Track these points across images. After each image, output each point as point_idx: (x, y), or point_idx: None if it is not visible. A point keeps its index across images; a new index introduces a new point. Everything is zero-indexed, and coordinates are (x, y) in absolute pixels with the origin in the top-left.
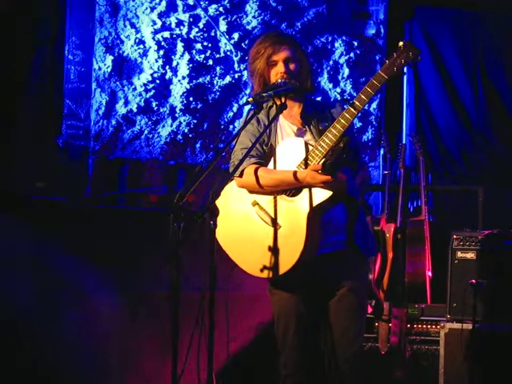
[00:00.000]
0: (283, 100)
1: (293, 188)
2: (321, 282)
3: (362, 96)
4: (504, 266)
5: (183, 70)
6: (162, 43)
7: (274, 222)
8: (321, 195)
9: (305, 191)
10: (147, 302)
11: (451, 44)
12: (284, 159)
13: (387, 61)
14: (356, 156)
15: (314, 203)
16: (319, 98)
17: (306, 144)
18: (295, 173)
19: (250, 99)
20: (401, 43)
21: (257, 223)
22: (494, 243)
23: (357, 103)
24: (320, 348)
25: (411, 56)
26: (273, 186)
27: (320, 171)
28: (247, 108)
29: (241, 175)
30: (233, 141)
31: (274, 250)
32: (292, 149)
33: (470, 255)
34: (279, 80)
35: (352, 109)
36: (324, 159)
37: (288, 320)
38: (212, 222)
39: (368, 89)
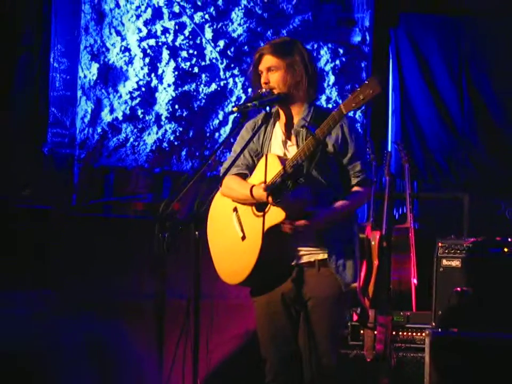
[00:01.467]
0: (277, 109)
1: (253, 202)
2: (296, 292)
3: (324, 128)
4: (489, 274)
5: (169, 77)
6: (148, 51)
7: (242, 232)
8: (275, 217)
9: (269, 210)
10: (132, 310)
11: (437, 50)
12: (259, 173)
13: (349, 96)
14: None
15: (267, 225)
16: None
17: (281, 160)
18: (251, 188)
19: (235, 108)
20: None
21: (233, 229)
22: (479, 251)
23: (319, 133)
24: (300, 353)
25: (371, 93)
26: (234, 198)
27: (265, 190)
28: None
29: (221, 184)
30: (219, 149)
31: (235, 258)
32: (268, 163)
33: (455, 263)
34: (263, 90)
35: (313, 140)
36: (274, 180)
37: (266, 327)
38: (196, 233)
39: (330, 122)
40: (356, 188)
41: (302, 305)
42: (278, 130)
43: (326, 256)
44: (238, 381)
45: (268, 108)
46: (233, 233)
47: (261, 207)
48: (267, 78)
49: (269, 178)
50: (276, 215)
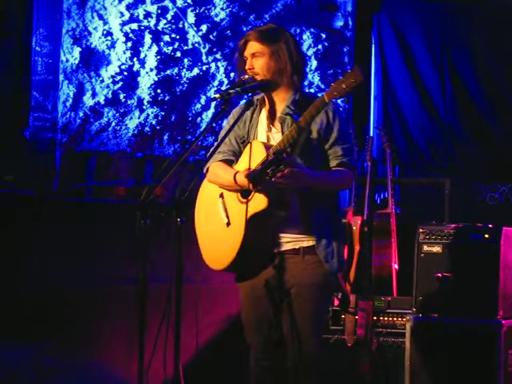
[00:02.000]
0: (263, 95)
1: (238, 189)
2: (280, 278)
3: (307, 116)
4: (470, 260)
5: (151, 62)
6: (130, 35)
7: (227, 218)
8: (258, 204)
9: (253, 197)
10: (114, 295)
11: (419, 35)
12: (244, 160)
13: (332, 84)
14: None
15: (250, 212)
16: (320, 95)
17: (266, 147)
18: (234, 174)
19: (217, 95)
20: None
21: (218, 215)
22: (460, 237)
23: (302, 121)
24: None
25: (353, 83)
26: (219, 184)
27: (246, 177)
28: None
29: (207, 171)
30: (202, 135)
31: (219, 244)
32: (253, 150)
33: (436, 249)
34: (246, 76)
35: (296, 127)
36: (257, 167)
37: (251, 312)
38: (178, 219)
39: (312, 110)
40: (334, 169)
41: (286, 292)
42: (264, 117)
43: (311, 243)
44: (221, 365)
45: (250, 95)
46: (219, 219)
47: (245, 193)
48: (251, 64)
49: (253, 165)
50: (259, 202)
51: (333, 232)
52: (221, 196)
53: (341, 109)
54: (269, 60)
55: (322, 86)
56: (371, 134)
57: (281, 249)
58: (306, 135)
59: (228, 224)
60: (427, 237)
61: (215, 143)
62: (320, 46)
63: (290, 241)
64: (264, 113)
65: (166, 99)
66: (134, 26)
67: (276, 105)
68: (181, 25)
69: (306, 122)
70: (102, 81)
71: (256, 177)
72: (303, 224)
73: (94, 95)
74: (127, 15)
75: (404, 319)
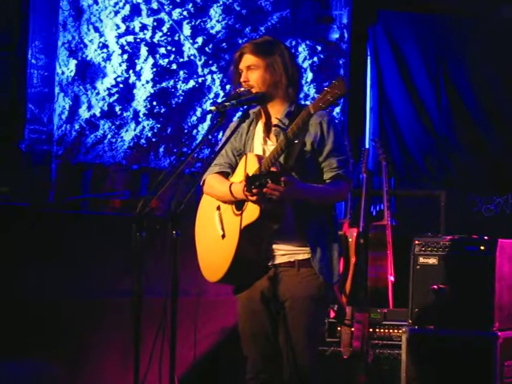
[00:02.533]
0: (259, 108)
1: (233, 200)
2: (275, 291)
3: (294, 128)
4: (465, 272)
5: (147, 74)
6: (126, 47)
7: (222, 230)
8: (250, 215)
9: (246, 208)
10: (110, 307)
11: (414, 48)
12: (239, 172)
13: (318, 96)
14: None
15: (243, 224)
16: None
17: (259, 159)
18: (230, 186)
19: (212, 107)
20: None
21: (215, 227)
22: (455, 249)
23: (289, 133)
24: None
25: (337, 93)
26: (215, 196)
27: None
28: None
29: (203, 183)
30: (198, 147)
31: (215, 256)
32: (248, 163)
33: (432, 261)
34: (242, 89)
35: (284, 139)
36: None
37: (247, 324)
38: (174, 232)
39: (299, 121)
40: (329, 182)
41: (281, 305)
42: (260, 130)
43: (306, 256)
44: (218, 378)
45: (245, 107)
46: (215, 231)
47: (239, 205)
48: (246, 76)
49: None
50: (251, 213)
51: (328, 245)
52: (218, 208)
53: (336, 121)
54: (264, 72)
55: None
56: (367, 146)
57: (276, 262)
58: (299, 147)
59: (223, 236)
60: (423, 248)
61: (212, 156)
62: (315, 58)
63: (285, 254)
64: (260, 125)
65: (161, 111)
66: (130, 38)
67: (271, 118)
68: (176, 38)
69: (294, 134)
70: (98, 93)
71: (251, 186)
72: (298, 237)
73: (89, 107)
74: (123, 28)
75: (400, 331)
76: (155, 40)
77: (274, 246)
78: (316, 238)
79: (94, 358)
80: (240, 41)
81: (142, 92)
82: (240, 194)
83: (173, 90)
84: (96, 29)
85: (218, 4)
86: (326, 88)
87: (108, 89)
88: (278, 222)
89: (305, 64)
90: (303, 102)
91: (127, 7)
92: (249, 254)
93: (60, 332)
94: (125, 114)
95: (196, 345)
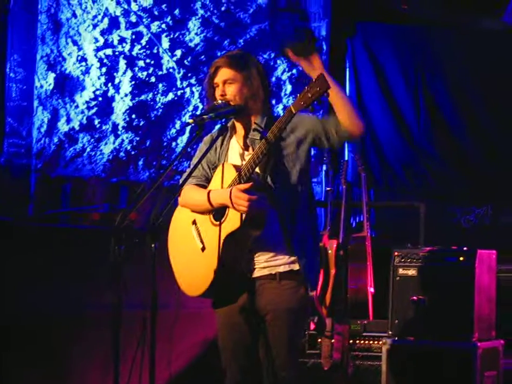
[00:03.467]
0: (232, 122)
1: (210, 209)
2: (256, 304)
3: (275, 130)
4: (445, 283)
5: (126, 87)
6: (105, 60)
7: (202, 243)
8: (231, 225)
9: (226, 218)
10: (90, 321)
11: (393, 59)
12: (215, 182)
13: (298, 95)
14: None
15: (224, 233)
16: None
17: (236, 168)
18: (208, 193)
19: (190, 120)
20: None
21: (192, 241)
22: (435, 260)
23: (270, 136)
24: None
25: (319, 91)
26: (192, 205)
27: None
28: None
29: (180, 194)
30: (176, 159)
31: (196, 270)
32: (224, 172)
33: (411, 272)
34: (220, 102)
35: (265, 142)
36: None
37: (227, 337)
38: (153, 245)
39: (279, 123)
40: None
41: (262, 317)
42: (234, 143)
43: (287, 268)
44: None
45: (223, 120)
46: (193, 245)
47: (217, 216)
48: (223, 90)
49: (225, 186)
50: (232, 222)
51: (313, 252)
52: (194, 222)
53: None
54: (241, 86)
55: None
56: (346, 158)
57: (257, 275)
58: (277, 153)
59: (203, 249)
60: (402, 260)
61: (187, 169)
62: (294, 71)
63: (266, 266)
64: (234, 139)
65: (140, 124)
66: (109, 51)
67: (247, 131)
68: (155, 51)
69: (275, 136)
70: (77, 106)
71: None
72: (280, 247)
73: (68, 120)
74: (101, 41)
75: (380, 342)
76: (134, 53)
77: (255, 258)
78: (302, 244)
79: (74, 372)
80: (218, 54)
81: (121, 104)
82: (221, 199)
83: (152, 103)
84: (75, 42)
85: (197, 17)
86: (306, 88)
87: (87, 102)
88: (260, 229)
89: (284, 77)
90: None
91: (106, 20)
92: (232, 263)
93: (39, 347)
94: (104, 127)
95: (170, 361)
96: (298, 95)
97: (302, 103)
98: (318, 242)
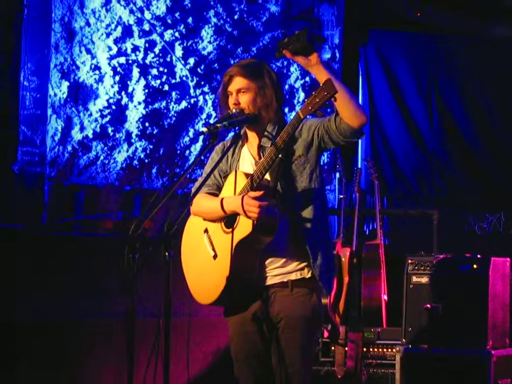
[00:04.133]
0: (244, 130)
1: (224, 216)
2: (268, 312)
3: (284, 135)
4: (458, 290)
5: (139, 95)
6: (118, 69)
7: (213, 251)
8: (243, 230)
9: (237, 225)
10: (103, 329)
11: (406, 67)
12: (227, 189)
13: (306, 100)
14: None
15: (236, 239)
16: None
17: (246, 174)
18: (221, 200)
19: (204, 129)
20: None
21: (204, 250)
22: (448, 268)
23: (279, 141)
24: (273, 373)
25: (326, 95)
26: (204, 213)
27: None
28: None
29: (192, 204)
30: (190, 168)
31: (208, 278)
32: (236, 180)
33: (425, 280)
34: (234, 111)
35: (274, 148)
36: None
37: (240, 346)
38: (166, 253)
39: (288, 128)
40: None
41: (274, 325)
42: (246, 152)
43: (299, 276)
44: None
45: (237, 128)
46: (205, 253)
47: (229, 223)
48: (237, 99)
49: (237, 193)
50: (243, 228)
51: (326, 252)
52: (205, 231)
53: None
54: (255, 95)
55: (309, 117)
56: (359, 166)
57: (269, 283)
58: (287, 159)
59: (215, 256)
60: (416, 267)
61: (199, 178)
62: (307, 78)
63: (278, 274)
64: (246, 148)
65: (154, 132)
66: (122, 60)
67: (258, 138)
68: (168, 59)
69: (283, 142)
70: (90, 115)
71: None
72: (291, 254)
73: (82, 129)
74: (114, 49)
75: (394, 350)
76: (147, 61)
77: (267, 266)
78: (316, 245)
79: (88, 380)
80: (232, 62)
81: (134, 113)
82: (233, 207)
83: (165, 111)
84: (88, 51)
85: (210, 25)
86: (314, 93)
87: (100, 110)
88: (271, 235)
89: (297, 84)
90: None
91: (119, 28)
92: (244, 270)
93: (53, 354)
94: (117, 135)
95: (188, 367)
96: (306, 100)
97: (310, 108)
98: (331, 248)
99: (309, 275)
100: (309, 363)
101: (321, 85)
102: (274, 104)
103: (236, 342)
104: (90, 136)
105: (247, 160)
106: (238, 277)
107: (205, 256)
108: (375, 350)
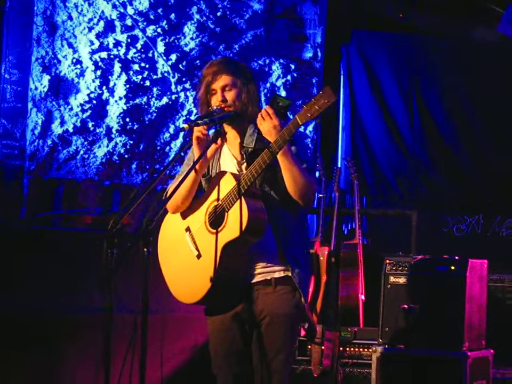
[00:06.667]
0: (225, 128)
1: (196, 184)
2: (251, 310)
3: (279, 140)
4: (436, 291)
5: (120, 90)
6: (100, 63)
7: (197, 251)
8: (230, 233)
9: (224, 226)
10: (81, 324)
11: (387, 67)
12: (211, 190)
13: (304, 106)
14: None
15: (223, 241)
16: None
17: (235, 176)
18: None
19: (185, 125)
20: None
21: (187, 248)
22: (426, 268)
23: (274, 146)
24: (252, 370)
25: (326, 103)
26: (185, 190)
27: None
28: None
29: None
30: (170, 164)
31: (191, 277)
32: (222, 180)
33: (403, 280)
34: (214, 107)
35: (269, 152)
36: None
37: (220, 344)
38: (145, 250)
39: (285, 134)
40: None
41: (257, 323)
42: (226, 150)
43: (283, 274)
44: None
45: (218, 125)
46: (188, 252)
47: (215, 224)
48: (222, 95)
49: (222, 195)
50: (231, 231)
51: (304, 262)
52: (187, 229)
53: (309, 139)
54: (240, 91)
55: (291, 116)
56: (339, 165)
57: (253, 281)
58: (273, 168)
59: (199, 256)
60: (394, 268)
61: (176, 175)
62: (289, 77)
63: (261, 272)
64: (225, 146)
65: (134, 128)
66: (104, 55)
67: (240, 137)
68: (150, 55)
69: (279, 147)
70: (71, 109)
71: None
72: (277, 255)
73: (62, 123)
74: (96, 44)
75: (370, 350)
76: (129, 56)
77: (251, 266)
78: (295, 255)
79: (65, 374)
80: (214, 59)
81: (115, 108)
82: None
83: (146, 107)
84: (70, 45)
85: (193, 22)
86: (312, 99)
87: (81, 105)
88: (259, 236)
89: (279, 83)
90: None
91: (101, 23)
92: (230, 271)
93: (31, 349)
94: (97, 130)
95: (162, 364)
96: (304, 106)
97: (309, 114)
98: (309, 252)
99: (291, 274)
100: (290, 361)
101: (320, 92)
102: (256, 101)
103: (216, 339)
104: (71, 130)
105: (228, 159)
106: (223, 277)
107: (187, 255)
108: (352, 349)
